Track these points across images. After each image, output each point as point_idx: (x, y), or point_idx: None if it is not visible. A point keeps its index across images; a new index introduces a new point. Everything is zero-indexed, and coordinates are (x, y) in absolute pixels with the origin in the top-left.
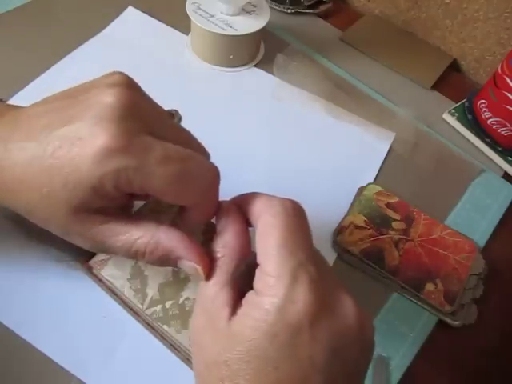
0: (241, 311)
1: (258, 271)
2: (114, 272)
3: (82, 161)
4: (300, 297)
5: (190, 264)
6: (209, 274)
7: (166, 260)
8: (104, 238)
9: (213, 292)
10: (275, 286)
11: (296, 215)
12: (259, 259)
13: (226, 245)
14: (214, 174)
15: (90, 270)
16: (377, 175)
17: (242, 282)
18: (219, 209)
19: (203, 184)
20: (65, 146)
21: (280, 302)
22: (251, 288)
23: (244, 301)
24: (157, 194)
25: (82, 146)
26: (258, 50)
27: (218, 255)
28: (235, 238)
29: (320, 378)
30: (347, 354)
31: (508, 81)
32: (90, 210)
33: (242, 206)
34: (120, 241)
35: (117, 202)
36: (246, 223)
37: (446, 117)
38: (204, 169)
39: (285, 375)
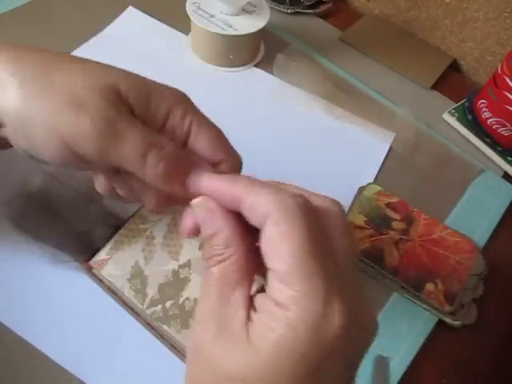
0: (259, 319)
1: (274, 279)
2: (114, 272)
3: None
4: (335, 316)
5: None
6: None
7: (183, 162)
8: (123, 120)
9: (225, 294)
10: (304, 301)
11: (313, 212)
12: (274, 265)
13: (229, 244)
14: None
15: (89, 270)
16: (377, 175)
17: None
18: (206, 210)
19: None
20: None
21: (312, 320)
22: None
23: (259, 306)
24: None
25: None
26: (258, 50)
27: (223, 256)
28: (240, 234)
29: None
30: (358, 360)
31: (508, 81)
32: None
33: (234, 195)
34: (142, 129)
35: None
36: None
37: (446, 117)
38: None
39: None
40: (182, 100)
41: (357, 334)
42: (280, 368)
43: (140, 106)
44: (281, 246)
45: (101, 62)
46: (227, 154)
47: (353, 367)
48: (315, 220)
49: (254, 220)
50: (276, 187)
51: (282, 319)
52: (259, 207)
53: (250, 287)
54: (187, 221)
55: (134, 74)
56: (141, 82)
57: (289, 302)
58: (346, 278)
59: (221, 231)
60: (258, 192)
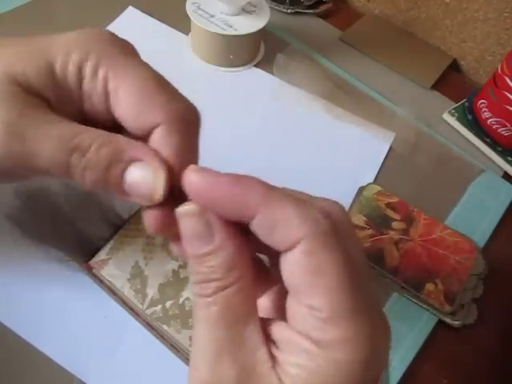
0: (287, 359)
1: (309, 316)
2: (114, 272)
3: None
4: (382, 349)
5: (149, 165)
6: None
7: (112, 164)
8: (32, 126)
9: (235, 332)
10: (356, 341)
11: (347, 230)
12: (312, 302)
13: (233, 266)
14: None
15: (90, 270)
16: (377, 175)
17: None
18: (201, 222)
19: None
20: None
21: (364, 360)
22: None
23: (281, 341)
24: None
25: None
26: (258, 50)
27: (225, 282)
28: (244, 253)
29: None
30: None
31: (508, 81)
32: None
33: (245, 205)
34: (57, 129)
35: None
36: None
37: (446, 117)
38: None
39: None
40: (91, 49)
41: (389, 344)
42: None
43: (44, 84)
44: (319, 281)
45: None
46: (160, 113)
47: None
48: (343, 240)
49: (272, 241)
50: (300, 198)
51: (325, 362)
52: (287, 228)
53: (257, 315)
54: (151, 220)
55: (28, 47)
56: (38, 53)
57: (335, 342)
58: (372, 294)
59: (221, 249)
60: (281, 204)
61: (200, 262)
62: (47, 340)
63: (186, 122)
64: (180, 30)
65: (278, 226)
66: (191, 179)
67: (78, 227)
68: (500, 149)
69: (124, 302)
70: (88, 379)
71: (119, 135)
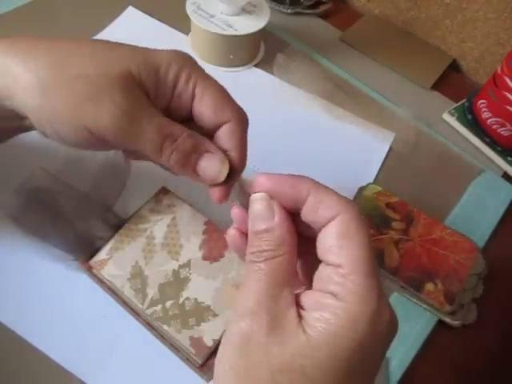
0: (312, 316)
1: (334, 274)
2: (114, 272)
3: None
4: (386, 309)
5: (218, 158)
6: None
7: (193, 151)
8: (140, 112)
9: (275, 291)
10: (365, 296)
11: (365, 221)
12: (338, 261)
13: (283, 242)
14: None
15: (90, 270)
16: (377, 175)
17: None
18: (266, 205)
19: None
20: None
21: (370, 314)
22: None
23: (309, 304)
24: None
25: None
26: (258, 50)
27: (275, 253)
28: (292, 235)
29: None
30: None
31: (508, 81)
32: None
33: (299, 192)
34: (157, 118)
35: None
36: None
37: (446, 117)
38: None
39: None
40: (185, 64)
41: (393, 329)
42: (337, 357)
43: (150, 81)
44: (347, 243)
45: (107, 43)
46: (231, 114)
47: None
48: (364, 222)
49: (318, 216)
50: (336, 193)
51: (341, 311)
52: (329, 205)
53: (294, 288)
54: (215, 193)
55: (139, 51)
56: (147, 57)
57: (350, 295)
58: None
59: (276, 228)
60: (326, 191)
61: (258, 237)
62: (46, 339)
63: (244, 120)
64: (180, 30)
65: (322, 205)
66: (261, 180)
67: (78, 227)
68: (500, 149)
69: (124, 302)
70: (87, 378)
71: (196, 132)
